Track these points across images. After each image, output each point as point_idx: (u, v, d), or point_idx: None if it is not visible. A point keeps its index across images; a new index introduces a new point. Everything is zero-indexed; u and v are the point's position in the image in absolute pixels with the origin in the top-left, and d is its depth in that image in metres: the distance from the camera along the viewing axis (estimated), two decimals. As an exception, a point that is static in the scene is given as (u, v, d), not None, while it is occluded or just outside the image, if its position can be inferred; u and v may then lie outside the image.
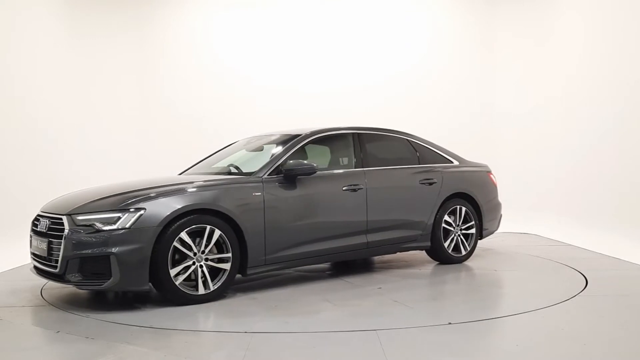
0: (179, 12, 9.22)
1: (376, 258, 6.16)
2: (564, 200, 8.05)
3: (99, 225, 4.04)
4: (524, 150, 8.85)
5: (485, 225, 6.03)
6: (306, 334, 3.49)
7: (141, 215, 4.06)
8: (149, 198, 4.18)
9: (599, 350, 3.17)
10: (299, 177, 4.79)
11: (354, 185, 5.10)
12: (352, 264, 5.92)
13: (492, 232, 6.21)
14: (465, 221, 5.83)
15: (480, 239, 6.01)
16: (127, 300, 4.46)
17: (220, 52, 9.18)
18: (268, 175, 4.71)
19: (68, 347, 3.34)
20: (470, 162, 6.24)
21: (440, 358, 3.06)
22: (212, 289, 4.28)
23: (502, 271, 5.41)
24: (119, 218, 4.05)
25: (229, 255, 4.34)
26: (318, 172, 4.96)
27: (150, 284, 4.12)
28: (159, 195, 4.23)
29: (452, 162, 6.02)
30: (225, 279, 4.35)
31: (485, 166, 6.37)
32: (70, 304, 4.34)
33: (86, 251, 3.99)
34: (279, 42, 9.20)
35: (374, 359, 3.02)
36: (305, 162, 4.82)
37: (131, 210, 4.08)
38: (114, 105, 9.04)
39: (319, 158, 5.48)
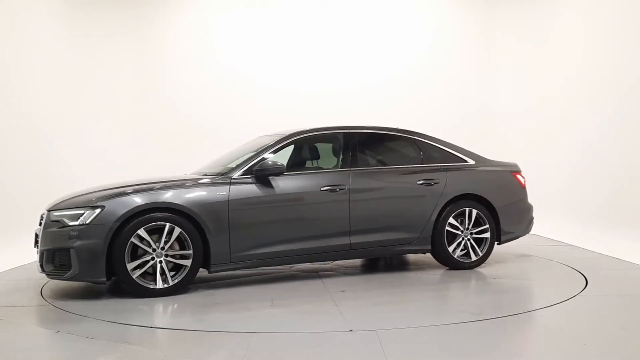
0: (179, 12, 9.23)
1: (398, 259, 6.11)
2: (564, 200, 8.05)
3: (66, 221, 4.42)
4: (523, 151, 8.85)
5: (507, 228, 5.59)
6: (306, 334, 3.50)
7: (100, 212, 4.37)
8: (109, 197, 4.49)
9: (599, 350, 3.17)
10: (272, 177, 4.86)
11: (334, 185, 5.03)
12: (383, 262, 5.98)
13: (517, 237, 5.76)
14: (478, 224, 5.47)
15: (498, 244, 5.63)
16: (127, 301, 4.46)
17: (220, 52, 9.18)
18: (240, 175, 4.83)
19: (68, 347, 3.34)
20: (492, 161, 5.84)
21: (440, 358, 3.06)
22: (170, 283, 4.48)
23: (501, 271, 5.40)
24: (81, 215, 4.40)
25: (190, 252, 4.52)
26: (297, 172, 5.07)
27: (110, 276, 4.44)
28: (119, 194, 4.52)
29: (466, 162, 5.66)
30: (185, 275, 4.53)
31: (513, 165, 5.92)
32: (70, 304, 4.34)
33: (54, 244, 4.42)
34: (279, 42, 9.21)
35: (374, 359, 3.02)
36: (279, 162, 4.89)
37: (92, 207, 4.41)
38: (113, 105, 9.04)
39: (304, 158, 5.49)
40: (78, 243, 4.32)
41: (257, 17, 9.16)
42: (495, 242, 5.60)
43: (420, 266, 5.72)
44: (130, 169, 7.87)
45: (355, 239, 5.07)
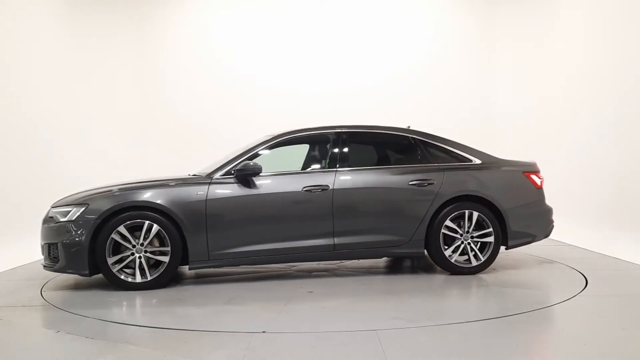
0: (179, 12, 9.23)
1: (425, 262, 6.02)
2: (564, 200, 8.04)
3: (58, 217, 4.76)
4: (523, 151, 8.82)
5: (516, 232, 5.25)
6: (306, 334, 3.50)
7: (84, 210, 4.68)
8: (93, 195, 4.81)
9: (599, 350, 3.17)
10: (254, 177, 4.94)
11: (317, 185, 5.00)
12: (410, 264, 5.89)
13: (529, 242, 5.41)
14: (481, 227, 5.18)
15: (506, 249, 5.33)
16: (128, 301, 4.47)
17: (220, 52, 9.19)
18: (221, 175, 4.96)
19: (68, 347, 3.34)
20: (503, 160, 5.48)
21: (440, 358, 3.06)
22: (149, 278, 4.70)
23: (501, 271, 5.40)
24: (69, 212, 4.72)
25: (167, 249, 4.71)
26: (281, 173, 5.10)
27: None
28: (104, 193, 4.83)
29: (470, 161, 5.37)
30: (164, 271, 4.73)
31: (526, 165, 5.51)
32: (70, 304, 4.35)
33: (49, 239, 4.78)
34: (279, 42, 9.21)
35: (374, 359, 3.02)
36: (258, 163, 4.97)
37: (78, 205, 4.74)
38: (113, 105, 9.04)
39: (292, 159, 5.46)
40: (65, 238, 4.65)
41: (257, 17, 9.17)
42: (503, 247, 5.31)
43: (429, 270, 5.59)
44: (130, 169, 7.88)
45: (340, 240, 5.00)
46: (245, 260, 4.93)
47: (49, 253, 4.81)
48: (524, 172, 5.43)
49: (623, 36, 6.77)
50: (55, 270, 4.76)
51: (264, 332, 3.52)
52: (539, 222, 5.45)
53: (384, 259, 6.06)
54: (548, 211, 5.52)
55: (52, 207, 4.91)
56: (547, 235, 5.54)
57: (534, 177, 5.45)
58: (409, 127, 5.67)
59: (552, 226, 5.56)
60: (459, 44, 9.34)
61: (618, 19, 6.93)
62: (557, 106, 8.35)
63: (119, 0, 9.05)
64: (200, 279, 5.27)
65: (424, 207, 5.12)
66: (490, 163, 5.42)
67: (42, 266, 4.93)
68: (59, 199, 5.10)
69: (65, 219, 4.69)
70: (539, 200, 5.44)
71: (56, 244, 4.69)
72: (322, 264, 5.87)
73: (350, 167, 5.20)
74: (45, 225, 4.83)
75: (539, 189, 5.45)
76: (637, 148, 6.44)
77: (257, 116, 8.88)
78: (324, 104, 8.90)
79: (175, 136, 9.04)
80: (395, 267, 5.84)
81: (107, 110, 8.98)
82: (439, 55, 9.31)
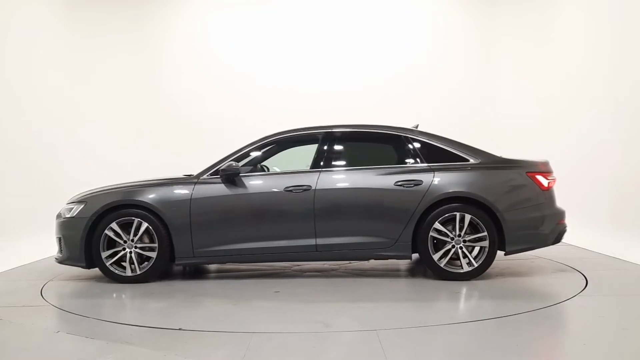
0: (179, 12, 9.24)
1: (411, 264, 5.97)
2: (563, 200, 8.03)
3: (65, 213, 5.17)
4: (523, 151, 8.83)
5: (516, 236, 4.89)
6: (306, 334, 3.49)
7: (82, 207, 5.06)
8: (91, 194, 5.18)
9: (599, 350, 3.17)
10: (237, 177, 5.05)
11: (298, 185, 4.99)
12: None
13: (532, 247, 5.05)
14: (477, 231, 4.90)
15: (505, 254, 5.00)
16: (127, 301, 4.47)
17: (220, 52, 9.20)
18: (208, 175, 5.13)
19: (68, 347, 3.34)
20: (505, 159, 5.12)
21: (440, 358, 3.06)
22: (138, 272, 4.99)
23: (500, 270, 5.40)
24: (72, 209, 5.11)
25: (155, 245, 4.95)
26: (263, 173, 5.26)
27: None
28: (100, 192, 5.16)
29: (467, 161, 5.07)
30: (152, 266, 4.99)
31: (532, 165, 5.11)
32: (70, 304, 4.35)
33: (57, 233, 5.21)
34: (279, 42, 9.22)
35: (374, 359, 3.02)
36: (240, 164, 5.10)
37: (78, 203, 5.13)
38: (113, 105, 9.05)
39: (280, 159, 5.49)
40: (67, 232, 5.07)
41: (257, 17, 9.18)
42: (503, 253, 5.00)
43: (428, 275, 5.47)
44: (130, 170, 7.88)
45: (322, 241, 4.95)
46: (229, 258, 5.03)
47: (60, 246, 5.19)
48: (527, 172, 5.04)
49: (623, 36, 6.77)
50: (59, 262, 5.17)
51: (179, 329, 3.57)
52: (544, 227, 5.02)
53: (404, 261, 6.01)
54: (556, 215, 5.09)
55: (66, 204, 5.28)
56: (556, 241, 5.14)
57: (539, 177, 5.04)
58: (416, 126, 5.61)
59: (563, 231, 5.16)
60: (459, 43, 9.35)
61: (618, 19, 6.92)
62: (557, 106, 8.35)
63: (119, 0, 9.06)
64: (187, 275, 5.28)
65: (410, 208, 4.90)
66: (489, 163, 5.07)
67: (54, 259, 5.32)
68: (73, 195, 5.43)
69: (68, 215, 5.09)
70: (544, 203, 5.02)
71: (60, 238, 5.14)
72: (327, 264, 5.85)
73: (334, 167, 5.15)
74: (57, 220, 5.25)
75: (546, 190, 5.03)
76: (637, 148, 6.44)
77: (257, 116, 8.90)
78: (324, 103, 8.91)
79: (176, 136, 9.06)
80: (410, 271, 5.72)
81: (107, 111, 8.98)
82: (439, 55, 9.32)
